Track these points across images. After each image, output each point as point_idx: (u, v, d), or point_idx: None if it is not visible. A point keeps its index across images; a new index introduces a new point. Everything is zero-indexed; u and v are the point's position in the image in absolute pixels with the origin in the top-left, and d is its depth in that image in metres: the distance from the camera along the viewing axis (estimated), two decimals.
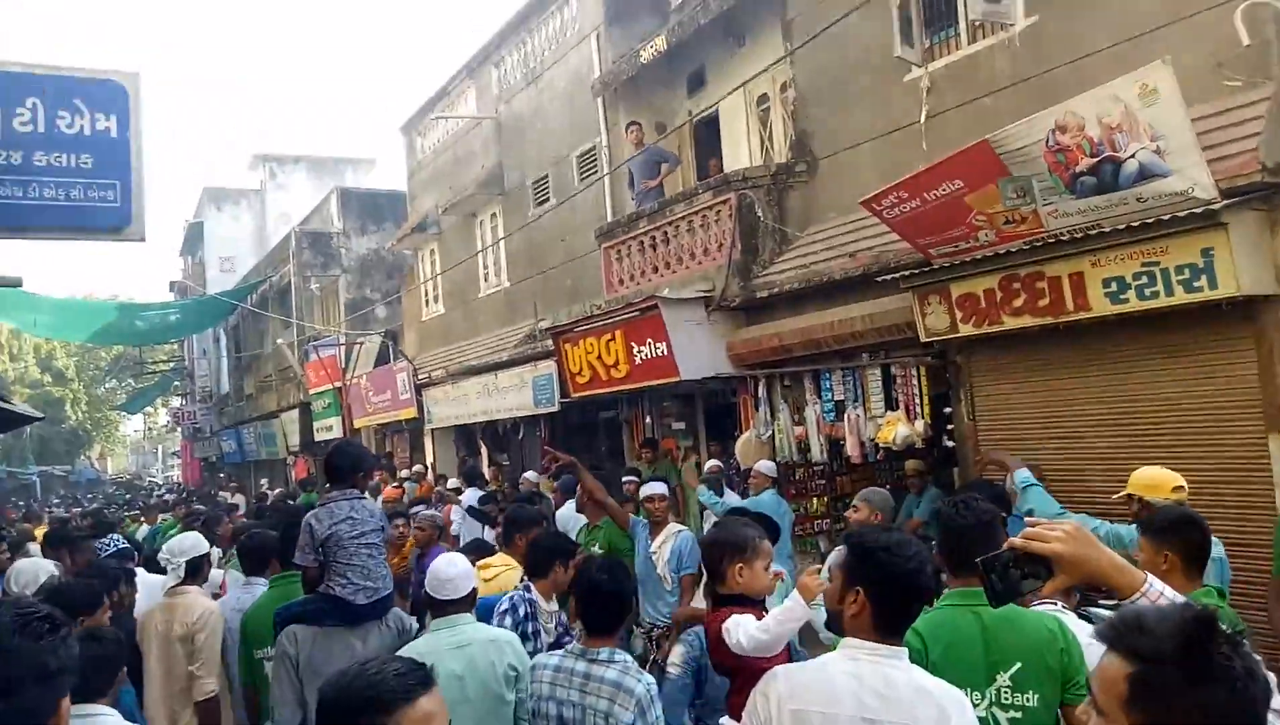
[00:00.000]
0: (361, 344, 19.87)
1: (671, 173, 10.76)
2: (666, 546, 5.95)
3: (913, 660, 2.44)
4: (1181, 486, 4.35)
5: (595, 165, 12.28)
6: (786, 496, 8.64)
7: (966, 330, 6.89)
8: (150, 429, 62.29)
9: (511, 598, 4.24)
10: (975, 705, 2.51)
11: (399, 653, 3.70)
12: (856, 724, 2.13)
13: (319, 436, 20.63)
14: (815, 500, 8.76)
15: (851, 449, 7.96)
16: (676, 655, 3.49)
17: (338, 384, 19.88)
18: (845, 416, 8.02)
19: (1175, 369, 5.90)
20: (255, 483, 25.89)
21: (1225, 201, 5.17)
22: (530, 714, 3.19)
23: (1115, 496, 4.59)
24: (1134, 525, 3.86)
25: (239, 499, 19.35)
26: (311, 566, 4.09)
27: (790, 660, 2.96)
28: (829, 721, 2.15)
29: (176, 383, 39.37)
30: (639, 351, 9.61)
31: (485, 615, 4.07)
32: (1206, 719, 1.31)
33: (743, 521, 3.53)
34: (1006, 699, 2.58)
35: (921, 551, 2.28)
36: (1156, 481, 4.39)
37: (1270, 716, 1.50)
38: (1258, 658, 1.40)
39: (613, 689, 2.95)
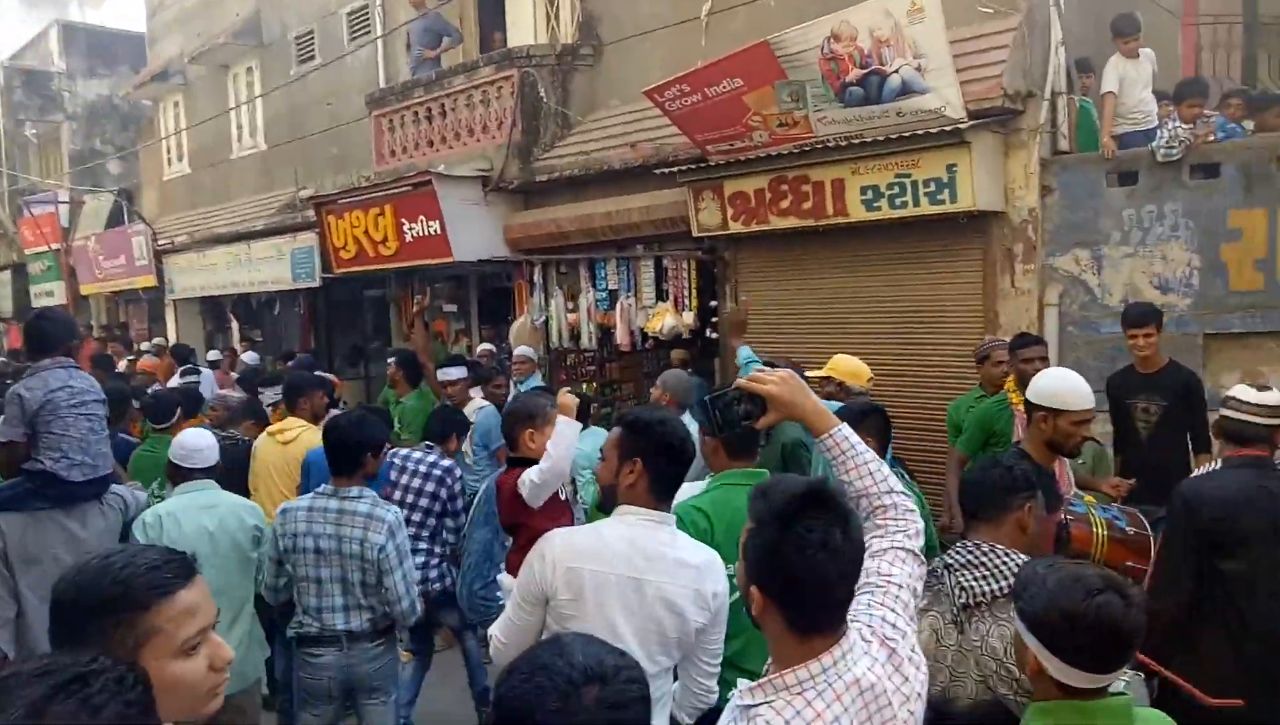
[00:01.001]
0: (83, 203, 17.69)
1: (451, 49, 10.20)
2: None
3: (699, 535, 2.65)
4: (872, 378, 5.11)
5: (367, 25, 11.41)
6: (558, 382, 8.80)
7: (736, 227, 7.17)
8: None
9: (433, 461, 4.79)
10: None
11: (145, 512, 3.66)
12: (624, 582, 2.29)
13: (38, 302, 18.39)
14: (586, 385, 8.95)
15: (621, 337, 8.16)
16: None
17: (57, 246, 17.69)
18: (618, 305, 8.19)
19: (915, 274, 6.48)
20: None
21: (971, 122, 5.64)
22: (286, 552, 3.50)
23: (812, 374, 5.05)
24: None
25: None
26: (20, 441, 3.75)
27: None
28: (599, 579, 2.29)
29: None
30: (410, 229, 9.25)
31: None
32: (778, 574, 1.55)
33: (538, 393, 3.97)
34: None
35: (684, 425, 2.49)
36: (857, 370, 5.01)
37: (917, 585, 1.80)
38: (865, 537, 1.68)
39: (365, 518, 3.41)
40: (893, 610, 1.68)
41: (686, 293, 7.83)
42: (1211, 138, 5.27)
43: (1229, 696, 2.74)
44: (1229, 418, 3.11)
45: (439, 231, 8.93)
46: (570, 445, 3.33)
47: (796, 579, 1.52)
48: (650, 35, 7.85)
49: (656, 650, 2.31)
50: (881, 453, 3.54)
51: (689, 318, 7.75)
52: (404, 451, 4.88)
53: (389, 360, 8.13)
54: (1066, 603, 1.73)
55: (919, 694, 1.61)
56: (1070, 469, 3.60)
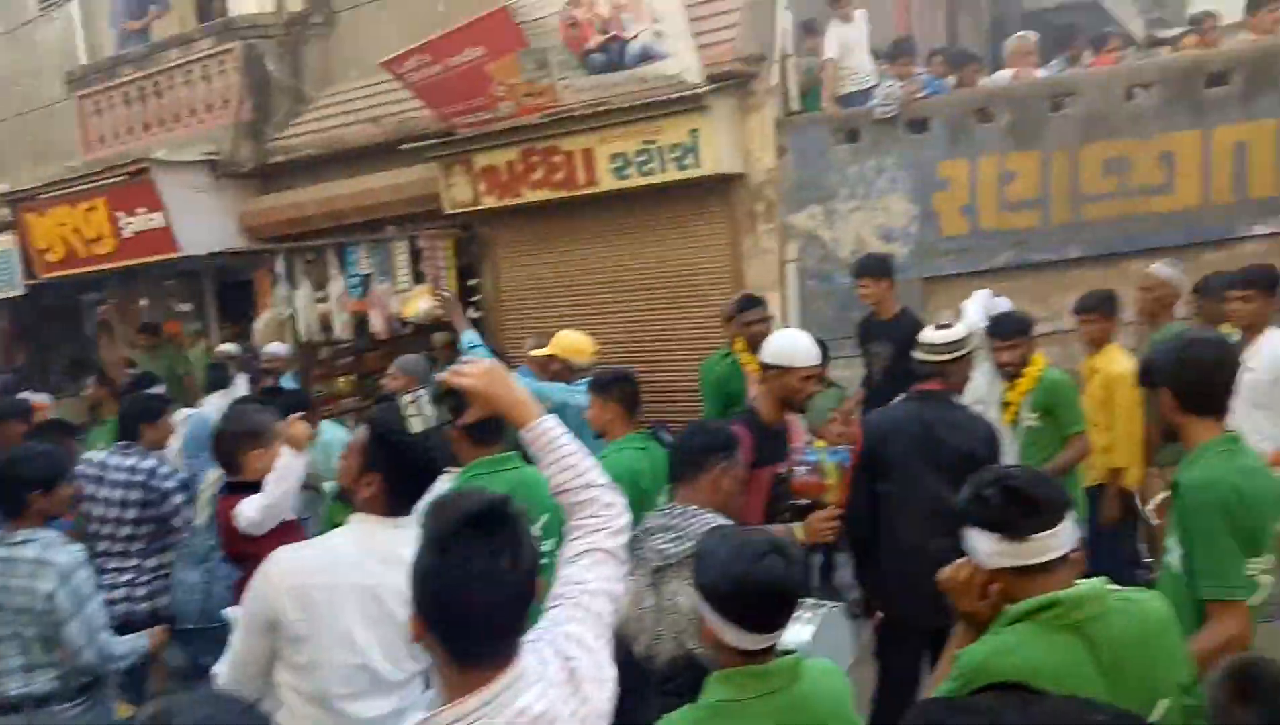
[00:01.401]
0: None
1: (160, 17, 9.28)
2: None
3: None
4: (597, 350, 5.12)
5: None
6: (313, 377, 8.28)
7: (489, 202, 7.01)
8: None
9: None
10: None
11: None
12: (359, 590, 2.15)
13: None
14: (342, 379, 8.46)
15: (376, 324, 7.78)
16: None
17: None
18: (371, 291, 7.78)
19: (667, 240, 6.61)
20: None
21: (709, 86, 5.79)
22: None
23: (534, 353, 5.09)
24: (556, 384, 4.61)
25: None
26: None
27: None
28: (331, 592, 2.14)
29: None
30: (127, 223, 8.42)
31: None
32: (435, 604, 1.44)
33: (254, 408, 3.55)
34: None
35: (436, 441, 2.29)
36: (580, 346, 5.04)
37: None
38: (567, 539, 1.69)
39: (32, 565, 3.05)
40: (580, 623, 1.60)
41: (443, 273, 7.57)
42: (920, 94, 5.71)
43: (895, 606, 3.25)
44: (914, 357, 3.43)
45: (162, 224, 8.16)
46: (294, 483, 3.16)
47: (454, 611, 1.42)
48: (386, 1, 7.49)
49: (402, 655, 2.21)
50: (628, 418, 3.63)
51: None
52: (99, 456, 4.28)
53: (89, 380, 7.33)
54: (734, 570, 1.78)
55: (601, 713, 1.55)
56: (808, 420, 3.77)
